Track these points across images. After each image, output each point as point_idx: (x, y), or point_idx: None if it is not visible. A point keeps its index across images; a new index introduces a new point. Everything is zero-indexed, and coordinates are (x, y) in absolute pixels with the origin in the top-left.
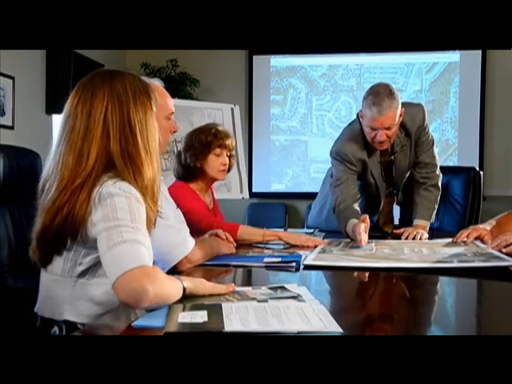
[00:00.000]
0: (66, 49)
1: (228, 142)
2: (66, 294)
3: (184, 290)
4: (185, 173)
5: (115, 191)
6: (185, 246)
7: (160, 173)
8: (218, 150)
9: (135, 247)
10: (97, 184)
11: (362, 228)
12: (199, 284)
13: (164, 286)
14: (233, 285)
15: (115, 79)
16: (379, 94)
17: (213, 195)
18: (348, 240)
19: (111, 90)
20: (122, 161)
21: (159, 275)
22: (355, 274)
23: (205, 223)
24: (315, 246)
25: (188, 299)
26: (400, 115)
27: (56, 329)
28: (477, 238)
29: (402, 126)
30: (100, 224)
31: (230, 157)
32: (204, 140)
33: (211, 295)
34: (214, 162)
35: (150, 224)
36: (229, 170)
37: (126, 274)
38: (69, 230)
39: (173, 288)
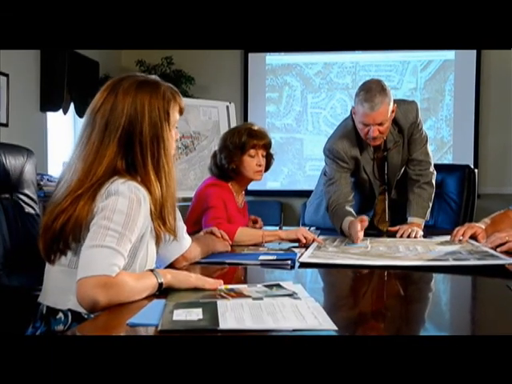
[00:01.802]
0: (61, 49)
1: (262, 142)
2: (72, 285)
3: (161, 285)
4: (220, 173)
5: (122, 189)
6: (181, 244)
7: (175, 197)
8: (252, 151)
9: (108, 255)
10: (105, 184)
11: (359, 227)
12: (182, 277)
13: (124, 291)
14: (221, 281)
15: (138, 95)
16: (371, 89)
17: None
18: (342, 237)
19: (130, 107)
20: (130, 177)
21: (120, 282)
22: (350, 271)
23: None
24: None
25: (182, 297)
26: (392, 111)
27: (61, 315)
28: (471, 237)
29: (395, 122)
30: (96, 216)
31: (267, 155)
32: (238, 141)
33: (196, 289)
34: (250, 163)
35: (158, 241)
36: (267, 170)
37: (85, 280)
38: (70, 232)
39: (139, 288)
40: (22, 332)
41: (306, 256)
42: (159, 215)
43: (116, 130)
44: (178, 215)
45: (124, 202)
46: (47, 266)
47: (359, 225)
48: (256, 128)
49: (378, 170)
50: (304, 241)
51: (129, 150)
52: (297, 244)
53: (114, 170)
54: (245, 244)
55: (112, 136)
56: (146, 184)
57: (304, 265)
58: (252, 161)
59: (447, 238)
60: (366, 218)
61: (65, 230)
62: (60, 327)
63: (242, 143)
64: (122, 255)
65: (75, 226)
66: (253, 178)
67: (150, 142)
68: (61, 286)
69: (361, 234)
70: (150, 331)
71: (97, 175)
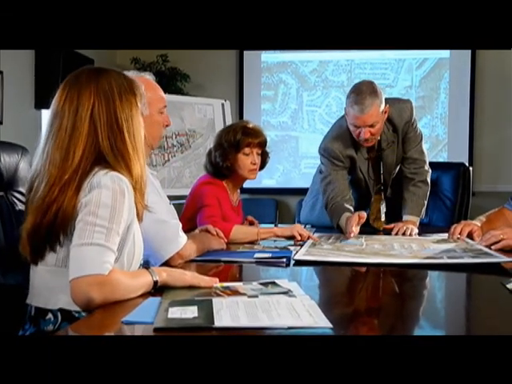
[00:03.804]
0: (56, 49)
1: (257, 140)
2: (62, 284)
3: (156, 283)
4: (215, 171)
5: (105, 182)
6: (177, 241)
7: (146, 169)
8: (247, 150)
9: (99, 252)
10: (87, 176)
11: (355, 221)
12: (177, 275)
13: (119, 289)
14: (216, 278)
15: (101, 77)
16: (361, 92)
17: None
18: (338, 234)
19: (97, 87)
20: (114, 157)
21: (114, 280)
22: (345, 269)
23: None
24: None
25: (177, 295)
26: (385, 112)
27: (50, 316)
28: (467, 235)
29: (390, 121)
30: (81, 212)
31: (262, 153)
32: (233, 139)
33: (191, 287)
34: (244, 162)
35: (139, 217)
36: (262, 168)
37: (79, 279)
38: (59, 226)
39: (134, 286)
40: (17, 331)
41: (301, 254)
42: (139, 189)
43: (87, 110)
44: (174, 213)
45: (108, 194)
46: (32, 267)
47: (356, 219)
48: (251, 126)
49: (373, 170)
50: (299, 238)
51: (105, 129)
52: (292, 242)
53: (96, 149)
54: (240, 242)
55: (83, 118)
56: (127, 161)
57: (299, 262)
58: (246, 159)
59: (442, 235)
60: (364, 214)
61: (55, 223)
62: (49, 327)
63: (237, 141)
64: (112, 250)
65: (64, 218)
66: (247, 177)
67: (125, 120)
68: (49, 286)
69: (356, 229)
70: (145, 329)
71: (77, 155)
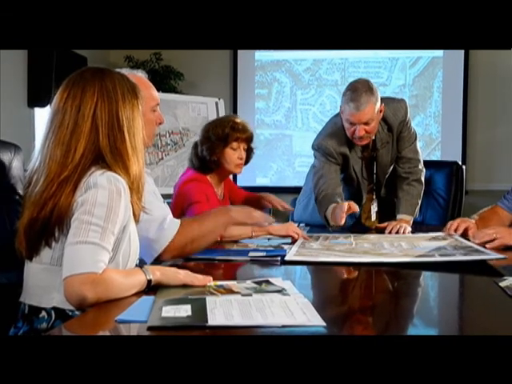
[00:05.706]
0: (49, 49)
1: (245, 135)
2: (56, 283)
3: (150, 281)
4: (201, 165)
5: (101, 182)
6: (162, 239)
7: (144, 170)
8: (234, 144)
9: (93, 251)
10: (84, 175)
11: (345, 208)
12: (171, 274)
13: (112, 288)
14: (210, 277)
15: (105, 77)
16: (357, 89)
17: (224, 186)
18: (326, 234)
19: (101, 87)
20: (112, 156)
21: (108, 279)
22: (339, 268)
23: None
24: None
25: (171, 293)
26: (380, 111)
27: (44, 314)
28: (463, 231)
29: (385, 120)
30: (77, 211)
31: (247, 149)
32: (221, 133)
33: (184, 285)
34: (231, 156)
35: (136, 218)
36: (246, 163)
37: (72, 278)
38: (55, 222)
39: (128, 285)
40: (9, 329)
41: (291, 254)
42: (137, 190)
43: (89, 109)
44: (168, 211)
45: (104, 194)
46: (26, 265)
47: (345, 208)
48: (239, 121)
49: (367, 170)
50: (296, 236)
51: (106, 128)
52: (286, 240)
53: (95, 147)
54: (235, 238)
55: (86, 116)
56: (125, 161)
57: (289, 262)
58: (234, 154)
59: (432, 234)
60: (355, 207)
61: (51, 218)
62: (43, 326)
63: (225, 135)
64: (107, 250)
65: (59, 215)
66: (233, 171)
67: (127, 120)
68: (43, 285)
69: (343, 218)
70: (139, 328)
71: (78, 152)
